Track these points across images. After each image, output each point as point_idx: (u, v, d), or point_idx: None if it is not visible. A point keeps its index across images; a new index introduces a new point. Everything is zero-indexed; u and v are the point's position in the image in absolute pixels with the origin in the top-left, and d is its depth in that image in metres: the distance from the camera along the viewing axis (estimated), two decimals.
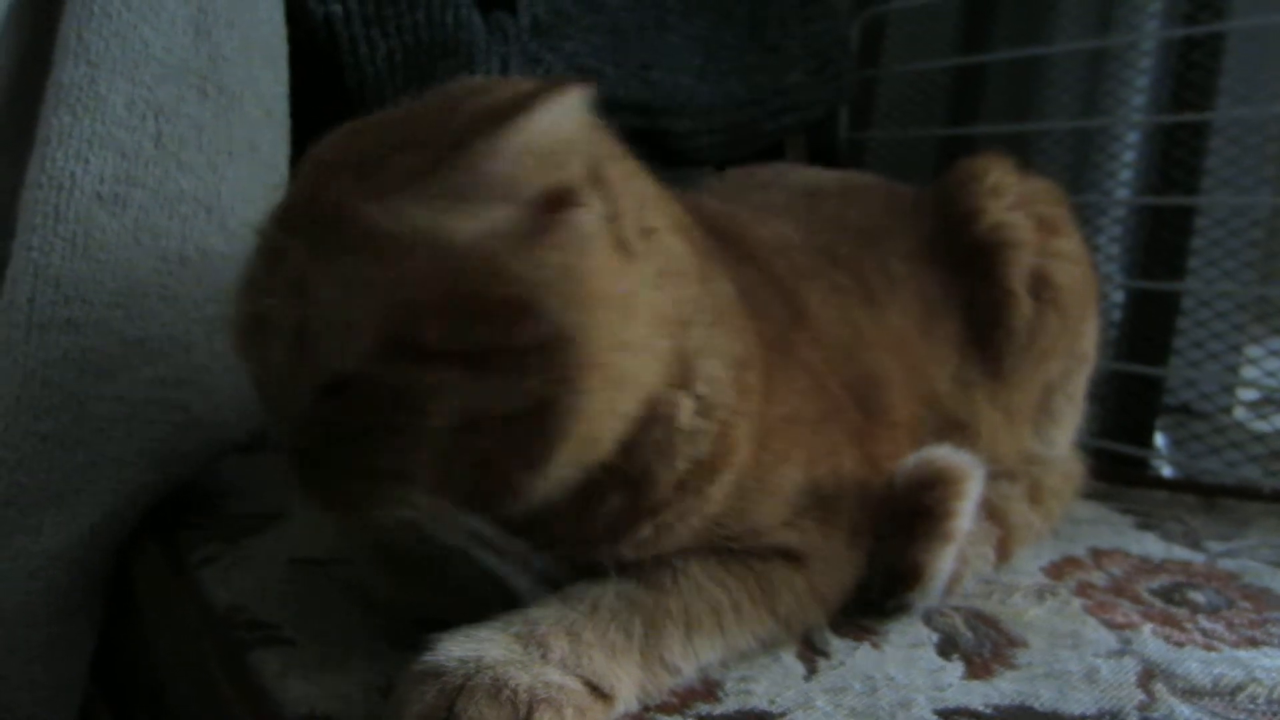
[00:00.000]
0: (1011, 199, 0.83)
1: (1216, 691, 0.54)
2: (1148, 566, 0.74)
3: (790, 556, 0.57)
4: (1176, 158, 1.36)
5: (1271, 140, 1.29)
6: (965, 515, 0.64)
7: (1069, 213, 0.89)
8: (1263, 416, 1.25)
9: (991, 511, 0.73)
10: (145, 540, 0.76)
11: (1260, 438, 1.23)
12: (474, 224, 0.45)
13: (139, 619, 0.75)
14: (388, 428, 0.46)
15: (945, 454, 0.65)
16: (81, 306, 0.72)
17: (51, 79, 0.73)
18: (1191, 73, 1.35)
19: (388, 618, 0.59)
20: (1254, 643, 0.61)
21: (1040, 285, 0.80)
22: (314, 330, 0.46)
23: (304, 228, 0.47)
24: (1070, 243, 0.84)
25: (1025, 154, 1.50)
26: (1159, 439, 1.33)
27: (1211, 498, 0.91)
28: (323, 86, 0.98)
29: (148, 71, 0.75)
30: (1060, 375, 0.84)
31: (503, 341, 0.45)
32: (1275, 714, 0.51)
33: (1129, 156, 1.41)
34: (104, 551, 0.75)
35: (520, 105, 0.45)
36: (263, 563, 0.70)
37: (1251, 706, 0.52)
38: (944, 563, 0.65)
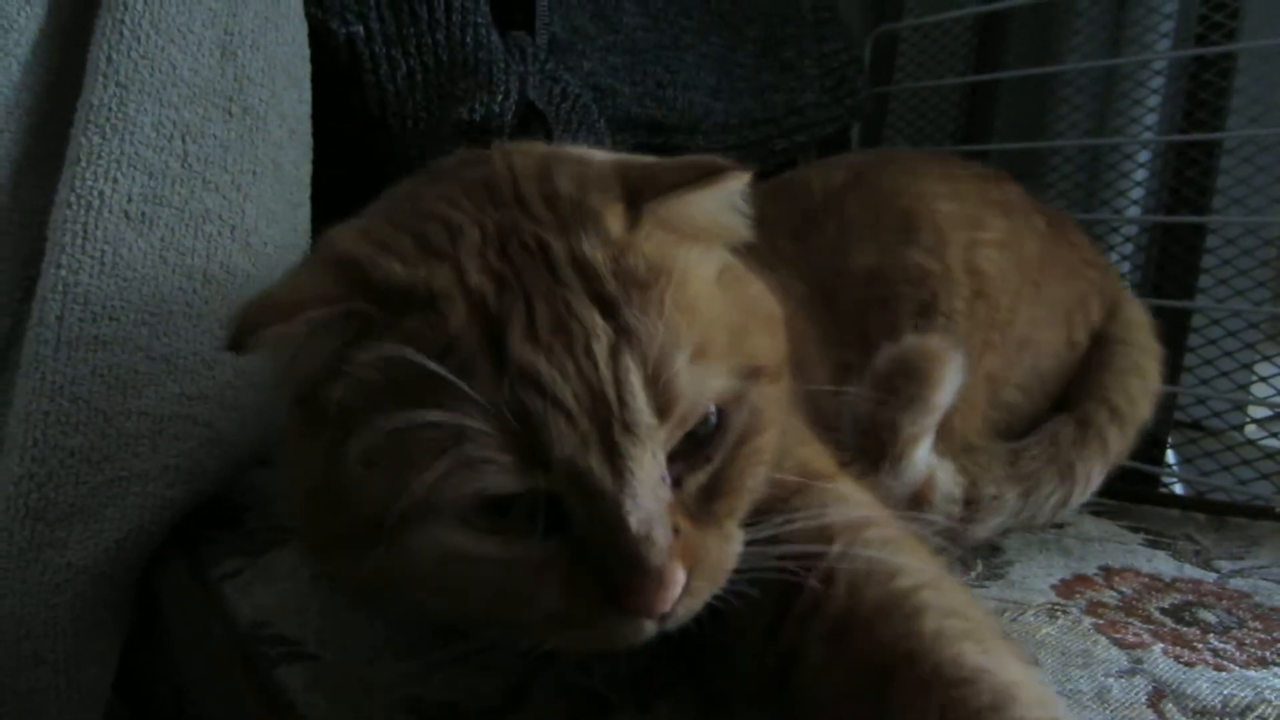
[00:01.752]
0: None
1: (1226, 712, 0.55)
2: (1158, 585, 0.74)
3: None
4: (1188, 177, 1.37)
5: None
6: (944, 386, 0.70)
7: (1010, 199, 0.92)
8: (1274, 434, 1.25)
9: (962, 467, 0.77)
10: (170, 554, 0.77)
11: (1271, 455, 1.23)
12: None
13: (164, 633, 0.76)
14: (750, 455, 0.50)
15: (926, 339, 0.72)
16: (109, 324, 0.74)
17: (81, 100, 0.75)
18: (1202, 92, 1.36)
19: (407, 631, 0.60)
20: (1264, 663, 0.61)
21: (970, 273, 0.84)
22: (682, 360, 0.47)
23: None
24: (996, 230, 0.87)
25: (1036, 172, 1.51)
26: (1170, 456, 1.33)
27: (1222, 516, 0.92)
28: (344, 106, 1.00)
29: (175, 93, 0.77)
30: (1002, 366, 0.86)
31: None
32: None
33: (1140, 175, 1.42)
34: (129, 566, 0.76)
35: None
36: (284, 577, 0.71)
37: None
38: (920, 428, 0.71)
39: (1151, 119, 1.40)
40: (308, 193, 0.92)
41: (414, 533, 0.45)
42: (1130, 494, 0.99)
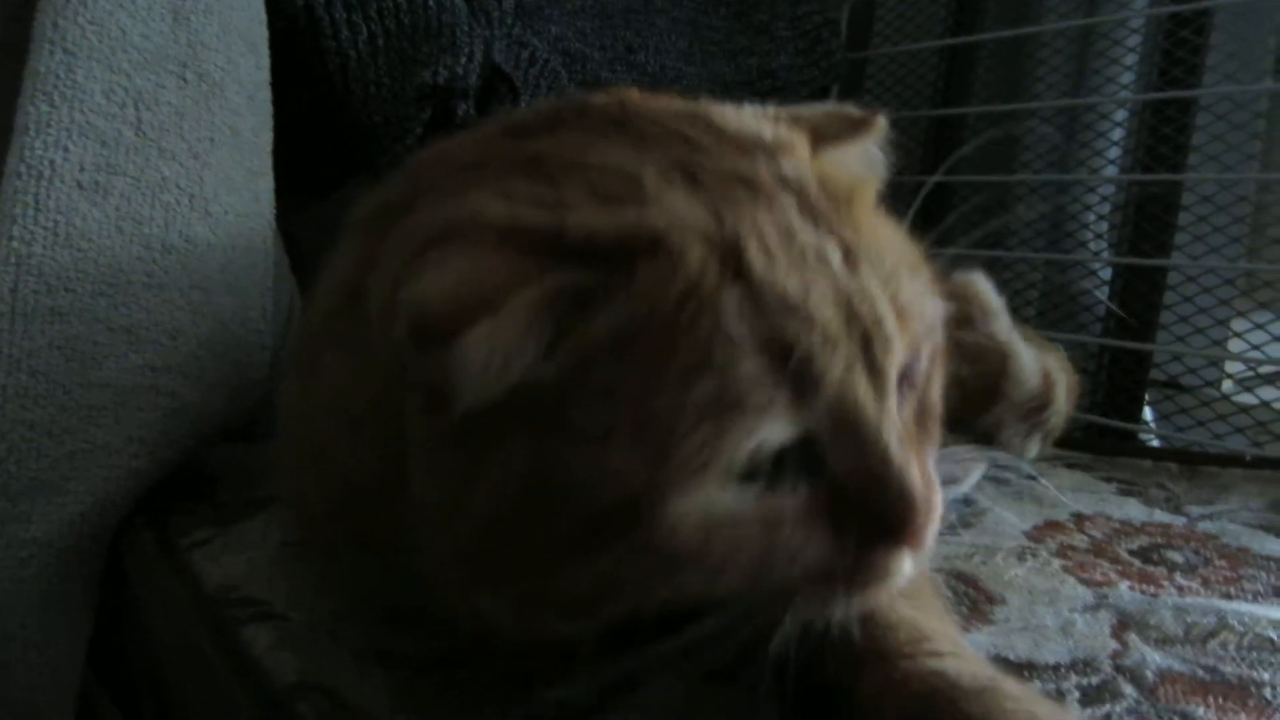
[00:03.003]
0: None
1: (1189, 639, 0.54)
2: (1128, 529, 0.74)
3: None
4: (1164, 135, 1.37)
5: (1258, 116, 1.29)
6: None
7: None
8: (1249, 389, 1.25)
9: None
10: (138, 525, 0.77)
11: (1246, 410, 1.23)
12: None
13: (134, 605, 0.76)
14: (938, 381, 0.47)
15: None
16: (66, 295, 0.73)
17: (28, 68, 0.73)
18: (1179, 50, 1.35)
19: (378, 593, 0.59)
20: (1228, 597, 0.61)
21: None
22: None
23: None
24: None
25: (1014, 134, 1.51)
26: (1148, 413, 1.33)
27: (1194, 465, 0.92)
28: (304, 73, 0.99)
29: (125, 59, 0.76)
30: None
31: None
32: (1245, 659, 0.52)
33: (1117, 135, 1.41)
34: (95, 538, 0.75)
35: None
36: (254, 544, 0.70)
37: (1222, 652, 0.53)
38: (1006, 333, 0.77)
39: (1128, 78, 1.40)
40: (269, 161, 0.91)
41: (674, 505, 0.38)
42: (1106, 448, 0.99)
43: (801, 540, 0.40)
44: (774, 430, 0.38)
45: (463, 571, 0.43)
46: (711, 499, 0.38)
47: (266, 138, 0.91)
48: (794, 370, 0.38)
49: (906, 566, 0.41)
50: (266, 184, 0.91)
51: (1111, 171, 1.42)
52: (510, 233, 0.39)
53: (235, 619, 0.57)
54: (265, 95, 0.90)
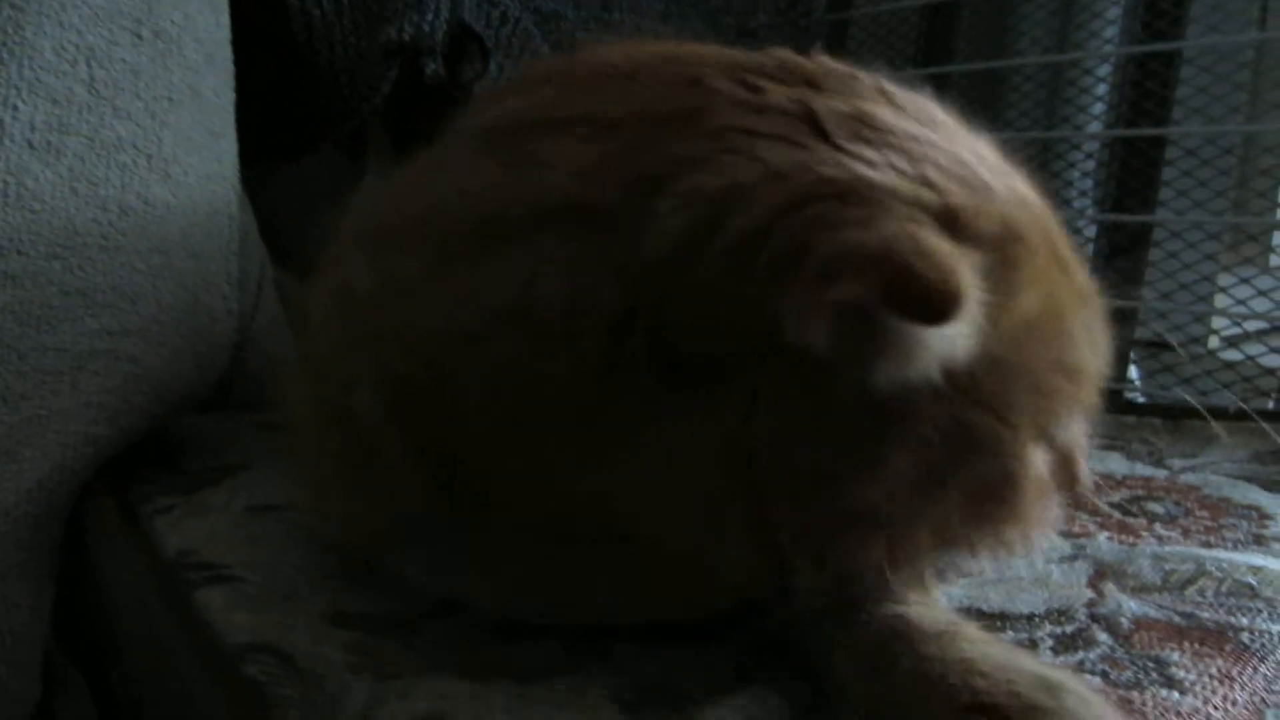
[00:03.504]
0: None
1: (1166, 586, 0.53)
2: (1109, 483, 0.73)
3: None
4: (1148, 89, 1.35)
5: (1243, 67, 1.28)
6: None
7: None
8: (1235, 345, 1.24)
9: None
10: (98, 493, 0.75)
11: (1233, 366, 1.22)
12: None
13: (94, 572, 0.74)
14: None
15: None
16: (18, 259, 0.70)
17: None
18: (1162, 1, 1.33)
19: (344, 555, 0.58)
20: (1208, 545, 0.60)
21: None
22: None
23: None
24: None
25: (997, 90, 1.49)
26: (1133, 371, 1.32)
27: (1178, 419, 0.91)
28: (267, 35, 0.96)
29: (76, 14, 0.73)
30: None
31: None
32: (1223, 605, 0.51)
33: (1101, 90, 1.40)
34: (55, 505, 0.73)
35: None
36: (218, 509, 0.69)
37: (1200, 598, 0.52)
38: None
39: (1112, 31, 1.38)
40: (231, 122, 0.89)
41: (1031, 464, 0.41)
42: None
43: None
44: (1095, 398, 0.44)
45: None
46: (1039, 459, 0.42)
47: (228, 97, 0.89)
48: (1097, 350, 0.43)
49: None
50: (229, 145, 0.89)
51: (1096, 128, 1.40)
52: (918, 206, 0.37)
53: (191, 582, 0.56)
54: (226, 53, 0.88)
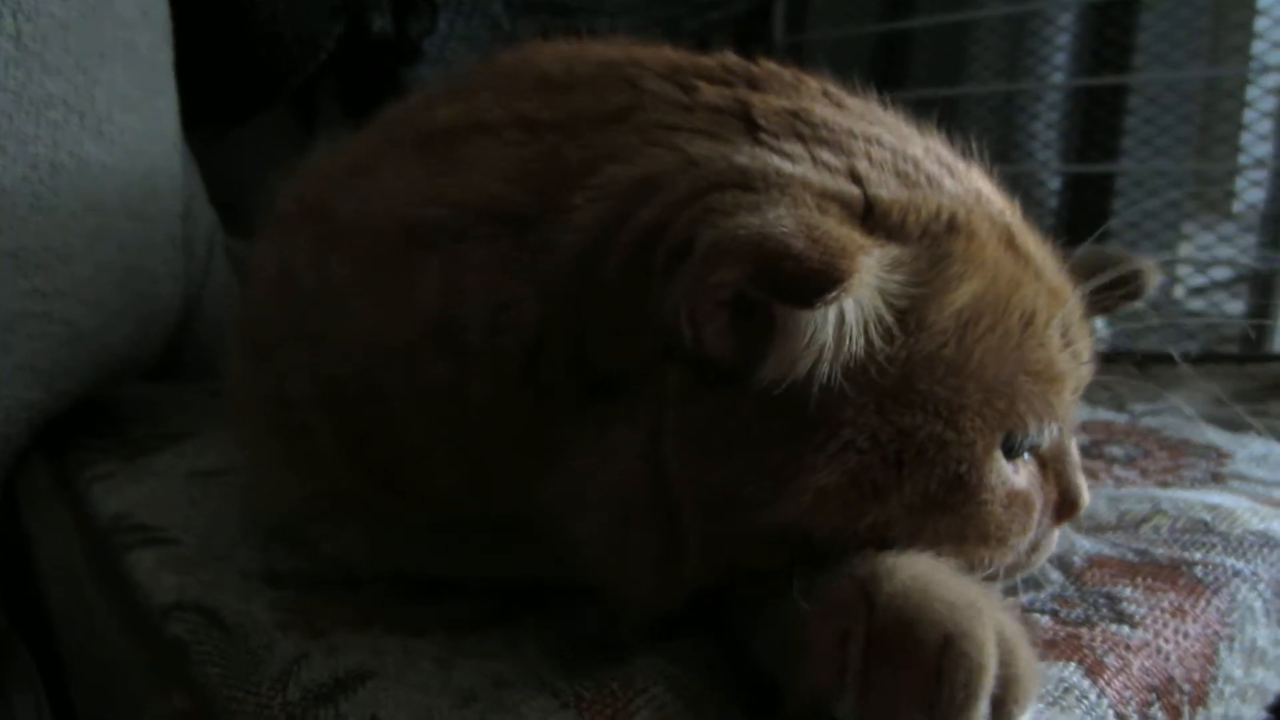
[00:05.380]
0: None
1: (1122, 525, 0.53)
2: None
3: None
4: (1108, 37, 1.34)
5: (1202, 12, 1.27)
6: None
7: None
8: (1200, 293, 1.24)
9: None
10: (33, 459, 0.73)
11: (1197, 314, 1.22)
12: None
13: (29, 541, 0.72)
14: None
15: None
16: None
17: None
18: None
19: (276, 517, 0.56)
20: (1165, 485, 0.59)
21: None
22: None
23: None
24: None
25: (961, 43, 1.47)
26: (1099, 321, 1.31)
27: (1141, 366, 0.90)
28: None
29: None
30: None
31: None
32: (1178, 541, 0.50)
33: (1063, 40, 1.39)
34: None
35: None
36: (158, 475, 0.67)
37: (1155, 536, 0.51)
38: None
39: None
40: (170, 79, 0.86)
41: (991, 472, 0.38)
42: None
43: (1039, 509, 0.42)
44: (1067, 404, 0.41)
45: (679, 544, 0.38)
46: (1005, 467, 0.39)
47: (165, 54, 0.86)
48: (1072, 351, 0.40)
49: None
50: (168, 103, 0.86)
51: (1059, 79, 1.39)
52: (827, 197, 0.36)
53: (124, 545, 0.54)
54: (161, 9, 0.85)
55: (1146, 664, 0.40)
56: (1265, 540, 0.50)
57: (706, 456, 0.36)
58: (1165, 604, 0.44)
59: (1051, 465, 0.43)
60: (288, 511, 0.52)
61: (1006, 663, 0.33)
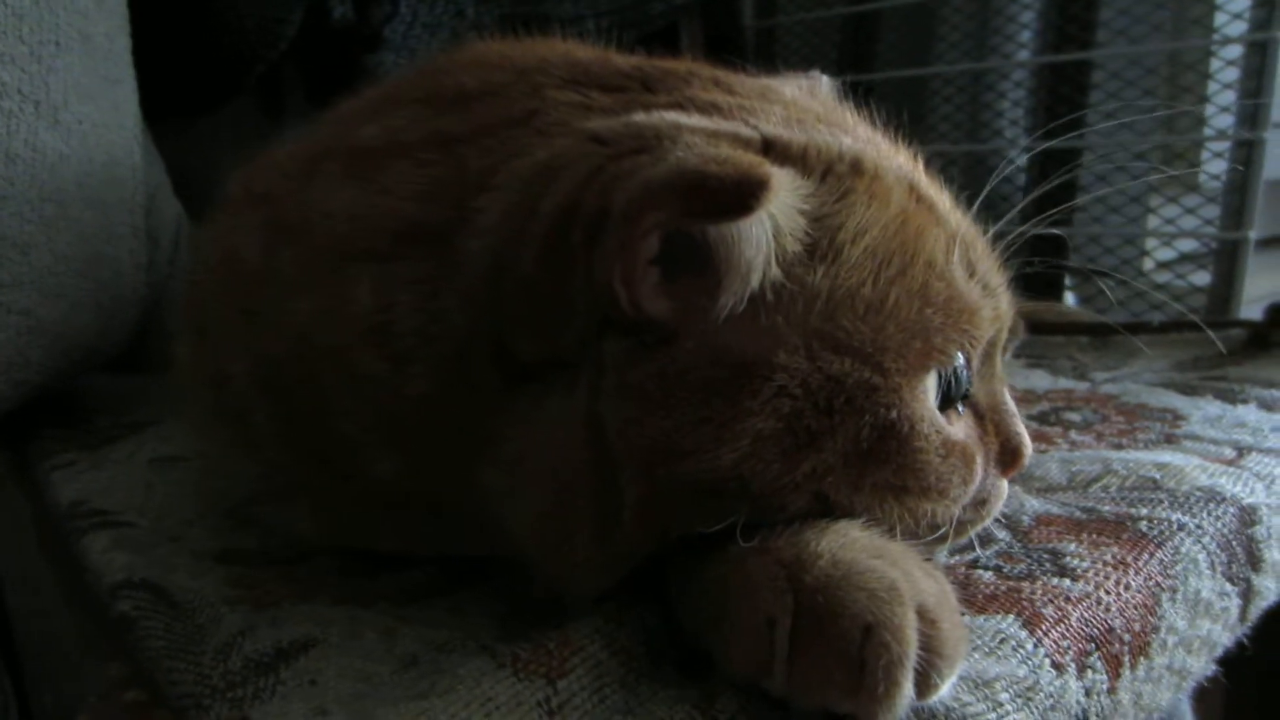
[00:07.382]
0: None
1: (1072, 486, 0.53)
2: (1030, 398, 0.73)
3: None
4: (1072, 14, 1.35)
5: None
6: None
7: None
8: (1167, 266, 1.25)
9: None
10: None
11: (1164, 287, 1.23)
12: None
13: None
14: None
15: None
16: None
17: None
18: None
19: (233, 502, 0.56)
20: (1119, 448, 0.60)
21: None
22: None
23: None
24: None
25: (929, 22, 1.48)
26: (1069, 297, 1.32)
27: (1104, 336, 0.91)
28: None
29: None
30: None
31: None
32: (1126, 499, 0.51)
33: (1026, 18, 1.39)
34: None
35: None
36: (118, 463, 0.67)
37: (1103, 494, 0.52)
38: None
39: None
40: (128, 68, 0.86)
41: (922, 420, 0.38)
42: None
43: (979, 462, 0.42)
44: (984, 335, 0.41)
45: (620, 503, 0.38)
46: (937, 416, 0.39)
47: (122, 43, 0.85)
48: (981, 284, 0.41)
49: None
50: (126, 92, 0.86)
51: (1024, 56, 1.40)
52: (721, 137, 0.37)
53: (78, 529, 0.54)
54: None
55: (1086, 615, 0.41)
56: (1211, 495, 0.51)
57: (648, 412, 0.36)
58: (1108, 557, 0.44)
59: (990, 417, 0.44)
60: (239, 493, 0.52)
61: (929, 634, 0.34)
